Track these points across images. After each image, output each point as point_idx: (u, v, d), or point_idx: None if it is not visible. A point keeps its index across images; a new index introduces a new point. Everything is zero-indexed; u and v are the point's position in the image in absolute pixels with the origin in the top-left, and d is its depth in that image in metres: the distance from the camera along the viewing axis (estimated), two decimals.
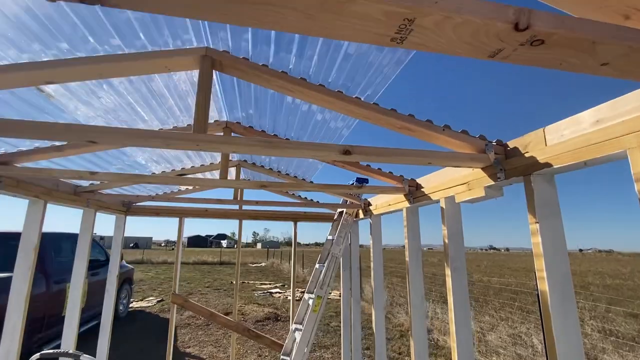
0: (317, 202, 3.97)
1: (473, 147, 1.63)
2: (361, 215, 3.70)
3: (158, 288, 13.66)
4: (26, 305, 2.32)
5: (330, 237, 4.10)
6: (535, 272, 1.34)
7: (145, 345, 6.43)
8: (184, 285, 14.54)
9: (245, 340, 6.79)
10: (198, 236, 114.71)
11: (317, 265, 4.07)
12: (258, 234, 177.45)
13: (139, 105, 2.17)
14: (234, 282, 13.97)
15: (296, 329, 3.74)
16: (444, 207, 1.99)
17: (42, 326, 5.12)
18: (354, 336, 3.92)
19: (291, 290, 4.56)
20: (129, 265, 9.28)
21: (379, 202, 3.12)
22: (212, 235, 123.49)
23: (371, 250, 3.26)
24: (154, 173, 4.03)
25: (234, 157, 4.19)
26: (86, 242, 3.22)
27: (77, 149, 2.08)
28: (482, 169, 1.69)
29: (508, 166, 1.55)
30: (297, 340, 3.48)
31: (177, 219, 4.25)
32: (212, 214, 4.33)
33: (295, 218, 4.56)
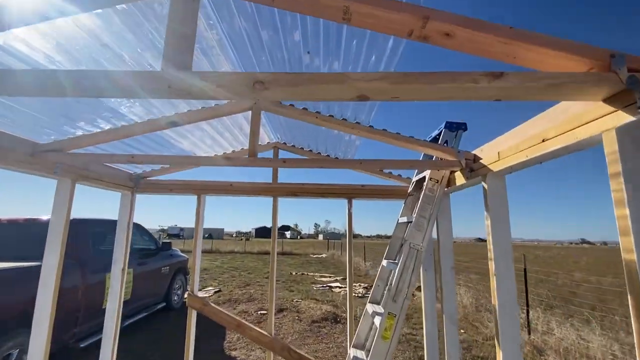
0: (379, 160, 2.52)
1: None
2: (459, 181, 2.20)
3: (219, 277, 13.62)
4: None
5: (403, 220, 2.68)
6: None
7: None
8: (244, 275, 14.33)
9: (298, 342, 5.76)
10: (264, 227, 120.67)
11: (384, 263, 2.69)
12: (320, 226, 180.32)
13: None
14: (294, 274, 13.12)
15: (355, 359, 2.44)
16: None
17: (77, 320, 4.68)
18: None
19: (348, 290, 3.27)
20: (182, 254, 8.98)
21: (509, 145, 1.61)
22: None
23: (488, 234, 1.78)
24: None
25: (272, 138, 3.12)
26: (60, 225, 2.33)
27: None
28: None
29: None
30: None
31: (195, 197, 3.25)
32: (239, 190, 3.23)
33: (350, 194, 3.22)
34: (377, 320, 2.23)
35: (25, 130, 2.10)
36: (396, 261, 2.70)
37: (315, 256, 27.17)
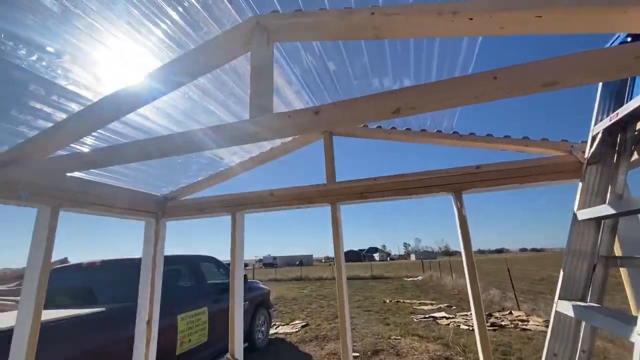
0: None
1: None
2: None
3: (307, 308, 12.83)
4: None
5: (589, 216, 1.27)
6: None
7: None
8: (333, 305, 13.23)
9: None
10: (351, 250, 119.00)
11: (562, 308, 1.30)
12: (410, 245, 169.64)
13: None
14: (387, 301, 11.43)
15: None
16: None
17: None
18: None
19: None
20: (263, 286, 8.42)
21: None
22: (364, 249, 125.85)
23: None
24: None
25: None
26: (36, 269, 1.66)
27: None
28: None
29: None
30: None
31: (230, 215, 2.38)
32: (282, 199, 2.24)
33: (459, 185, 1.93)
34: None
35: None
36: (590, 304, 1.28)
37: (410, 279, 24.55)
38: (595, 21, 0.91)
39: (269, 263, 77.59)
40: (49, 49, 1.17)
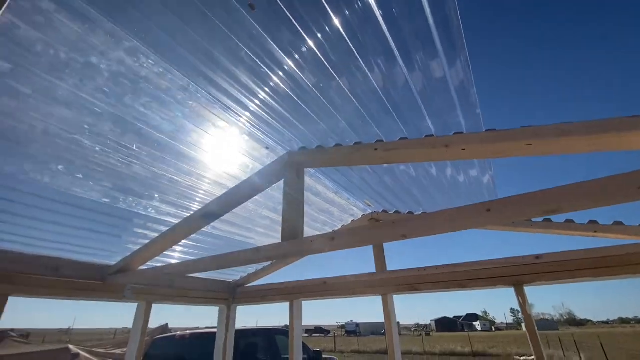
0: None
1: None
2: None
3: None
4: None
5: None
6: None
7: None
8: None
9: None
10: (445, 318, 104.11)
11: None
12: (519, 312, 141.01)
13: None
14: None
15: None
16: None
17: None
18: None
19: None
20: (332, 357, 7.95)
21: None
22: (460, 316, 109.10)
23: None
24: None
25: (363, 209, 2.56)
26: (136, 339, 2.02)
27: None
28: None
29: None
30: None
31: (287, 303, 2.53)
32: (334, 289, 2.33)
33: (518, 277, 1.77)
34: None
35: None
36: None
37: (522, 358, 20.11)
38: (584, 144, 0.92)
39: (352, 331, 72.66)
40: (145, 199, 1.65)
